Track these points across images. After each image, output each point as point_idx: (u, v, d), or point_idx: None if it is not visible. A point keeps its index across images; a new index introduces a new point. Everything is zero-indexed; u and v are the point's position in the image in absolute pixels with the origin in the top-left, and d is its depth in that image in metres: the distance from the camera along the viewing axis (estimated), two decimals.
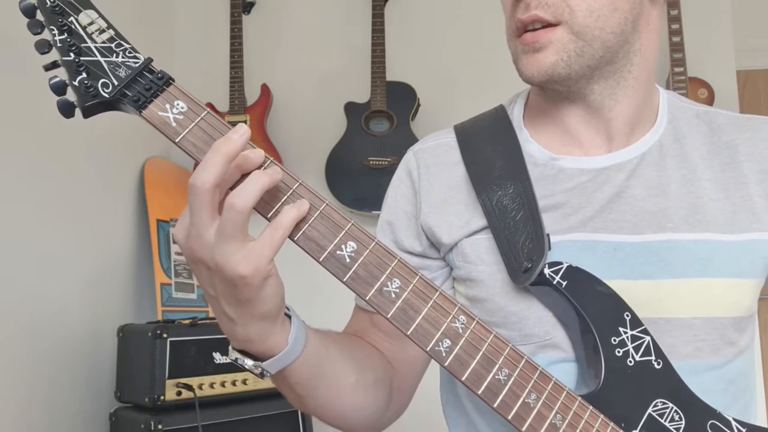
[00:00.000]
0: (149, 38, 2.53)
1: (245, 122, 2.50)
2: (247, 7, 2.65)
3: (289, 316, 0.70)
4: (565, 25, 0.77)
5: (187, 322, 1.88)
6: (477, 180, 0.85)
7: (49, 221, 1.86)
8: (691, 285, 0.78)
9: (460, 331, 0.67)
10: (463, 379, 0.67)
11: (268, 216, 0.64)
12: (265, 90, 2.57)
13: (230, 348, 0.69)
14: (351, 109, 2.47)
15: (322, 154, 2.44)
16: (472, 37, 2.56)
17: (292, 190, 0.65)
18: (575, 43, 0.77)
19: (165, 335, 1.80)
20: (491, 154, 0.87)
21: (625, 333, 0.75)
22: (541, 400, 0.69)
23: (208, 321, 1.97)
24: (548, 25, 0.77)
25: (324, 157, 2.43)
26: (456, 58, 2.56)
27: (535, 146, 0.87)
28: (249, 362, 0.68)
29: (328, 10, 2.65)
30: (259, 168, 0.64)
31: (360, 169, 2.39)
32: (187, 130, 0.65)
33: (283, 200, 0.65)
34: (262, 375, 0.69)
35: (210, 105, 2.53)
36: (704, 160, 0.84)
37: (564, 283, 0.76)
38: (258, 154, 0.64)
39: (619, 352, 0.75)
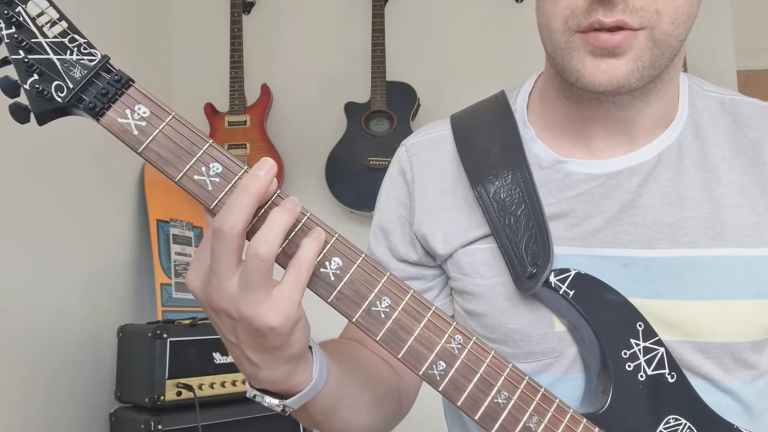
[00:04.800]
0: (149, 38, 2.53)
1: (245, 122, 2.50)
2: (247, 7, 2.64)
3: (310, 347, 0.64)
4: (648, 30, 0.68)
5: (187, 322, 1.88)
6: (472, 172, 0.79)
7: (49, 221, 1.86)
8: (707, 308, 0.72)
9: (456, 352, 0.62)
10: (459, 404, 0.62)
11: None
12: (265, 90, 2.56)
13: (248, 386, 0.64)
14: (351, 109, 2.47)
15: (322, 154, 2.43)
16: (472, 36, 2.55)
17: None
18: (651, 51, 0.69)
19: (165, 335, 1.80)
20: (487, 142, 0.80)
21: (637, 345, 0.71)
22: (543, 424, 0.64)
23: (208, 321, 1.96)
24: (629, 29, 0.68)
25: (324, 157, 2.42)
26: (456, 57, 2.56)
27: (541, 146, 0.80)
28: (273, 401, 0.63)
29: (328, 10, 2.65)
30: (272, 195, 0.58)
31: (360, 169, 2.38)
32: (150, 138, 0.58)
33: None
34: (284, 411, 0.63)
35: (210, 105, 2.53)
36: (727, 161, 0.76)
37: (571, 293, 0.71)
38: (273, 183, 0.58)
39: (629, 366, 0.70)
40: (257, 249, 0.55)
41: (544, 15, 0.72)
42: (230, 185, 0.59)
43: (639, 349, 0.71)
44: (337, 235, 0.61)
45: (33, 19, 0.58)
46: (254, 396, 0.64)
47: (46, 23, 0.59)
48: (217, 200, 0.59)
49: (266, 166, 0.57)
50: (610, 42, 0.67)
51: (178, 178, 0.59)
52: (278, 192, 0.59)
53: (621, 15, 0.67)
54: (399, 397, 0.82)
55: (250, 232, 0.58)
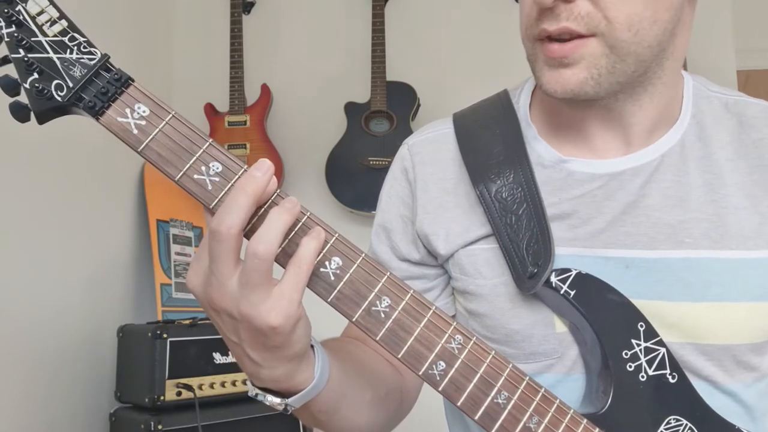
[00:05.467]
0: (149, 38, 2.53)
1: (245, 122, 2.50)
2: (247, 7, 2.64)
3: (311, 346, 0.64)
4: (600, 37, 0.68)
5: (187, 322, 1.88)
6: (474, 170, 0.79)
7: (50, 221, 1.86)
8: (709, 310, 0.72)
9: (456, 352, 0.62)
10: (459, 404, 0.62)
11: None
12: (265, 90, 2.56)
13: (249, 385, 0.64)
14: (351, 109, 2.47)
15: (322, 154, 2.44)
16: (472, 36, 2.55)
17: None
18: (608, 57, 0.68)
19: (165, 335, 1.80)
20: (490, 141, 0.80)
21: (639, 345, 0.70)
22: (543, 424, 0.64)
23: (208, 321, 1.96)
24: (579, 36, 0.68)
25: (324, 157, 2.43)
26: (456, 57, 2.56)
27: (543, 145, 0.80)
28: (275, 400, 0.63)
29: (328, 10, 2.65)
30: (271, 195, 0.58)
31: (360, 169, 2.38)
32: (150, 137, 0.58)
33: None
34: (286, 410, 0.63)
35: (210, 105, 2.54)
36: (730, 162, 0.76)
37: (572, 293, 0.71)
38: (273, 183, 0.58)
39: (630, 366, 0.70)
40: (256, 248, 0.55)
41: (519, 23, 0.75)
42: (230, 184, 0.58)
43: (640, 350, 0.71)
44: (337, 235, 0.61)
45: (33, 18, 0.58)
46: (256, 395, 0.64)
47: (46, 22, 0.59)
48: (217, 199, 0.59)
49: (264, 166, 0.57)
50: (558, 53, 0.69)
51: (178, 177, 0.59)
52: (278, 192, 0.59)
53: (565, 22, 0.67)
54: (400, 396, 0.82)
55: (250, 232, 0.58)
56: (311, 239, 0.58)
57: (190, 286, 0.60)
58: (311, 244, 0.58)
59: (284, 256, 0.59)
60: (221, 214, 0.55)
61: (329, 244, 0.60)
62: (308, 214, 0.60)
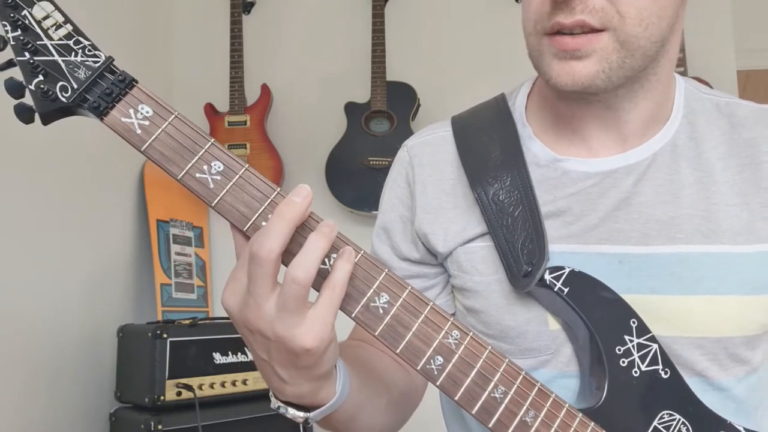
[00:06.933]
0: (149, 38, 2.53)
1: (245, 122, 2.50)
2: (247, 7, 2.65)
3: None
4: (612, 32, 0.69)
5: (187, 322, 1.88)
6: (472, 173, 0.81)
7: (50, 222, 1.86)
8: (701, 303, 0.73)
9: (453, 347, 0.63)
10: (457, 398, 0.64)
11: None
12: (265, 90, 2.57)
13: (272, 397, 0.66)
14: (351, 109, 2.47)
15: (322, 154, 2.44)
16: (472, 36, 2.56)
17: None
18: (618, 53, 0.70)
19: (165, 335, 1.80)
20: (488, 144, 0.82)
21: (631, 342, 0.72)
22: (540, 418, 0.65)
23: (208, 321, 1.97)
24: (591, 30, 0.69)
25: (324, 157, 2.43)
26: (456, 57, 2.56)
27: (538, 145, 0.81)
28: (297, 413, 0.64)
29: (328, 10, 2.65)
30: (304, 214, 0.59)
31: (360, 169, 2.38)
32: (154, 137, 0.60)
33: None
34: (307, 423, 0.65)
35: (210, 105, 2.54)
36: (722, 161, 0.78)
37: (566, 290, 0.72)
38: (308, 204, 0.58)
39: (623, 362, 0.71)
40: (295, 274, 0.56)
41: (522, 20, 0.76)
42: (231, 183, 0.60)
43: (633, 346, 0.72)
44: (336, 232, 0.61)
45: (39, 22, 0.60)
46: (278, 407, 0.65)
47: (52, 26, 0.60)
48: (219, 198, 0.60)
49: (303, 192, 0.58)
50: (570, 45, 0.70)
51: (181, 176, 0.60)
52: (311, 214, 0.60)
53: (580, 15, 0.68)
54: (411, 395, 0.84)
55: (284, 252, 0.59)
56: (345, 262, 0.60)
57: (226, 305, 0.60)
58: (345, 267, 0.59)
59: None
60: (261, 239, 0.56)
61: None
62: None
